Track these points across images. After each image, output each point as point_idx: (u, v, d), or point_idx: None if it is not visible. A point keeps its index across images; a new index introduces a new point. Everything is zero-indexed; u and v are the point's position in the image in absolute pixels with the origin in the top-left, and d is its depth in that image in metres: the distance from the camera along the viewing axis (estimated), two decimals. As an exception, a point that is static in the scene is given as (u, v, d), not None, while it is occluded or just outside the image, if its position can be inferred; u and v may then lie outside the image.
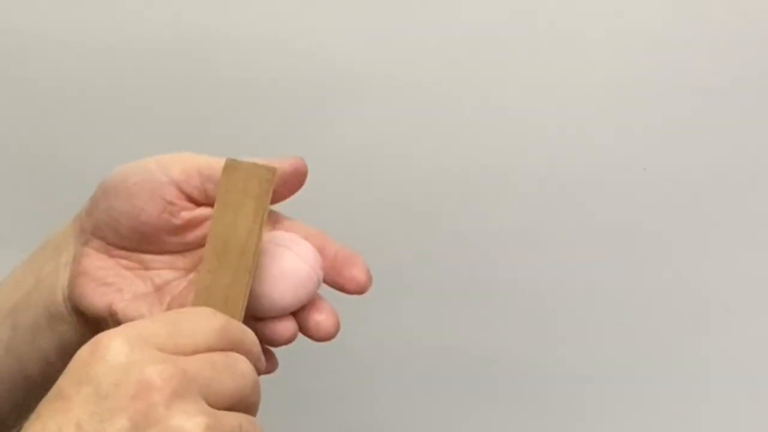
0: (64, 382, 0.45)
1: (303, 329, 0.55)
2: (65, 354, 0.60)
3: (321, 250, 0.56)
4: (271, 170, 0.52)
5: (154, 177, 0.56)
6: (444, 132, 0.83)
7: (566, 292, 0.85)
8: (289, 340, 0.55)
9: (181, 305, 0.56)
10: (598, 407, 0.88)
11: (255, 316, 0.54)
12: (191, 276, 0.58)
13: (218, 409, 0.46)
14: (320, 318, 0.55)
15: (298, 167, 0.56)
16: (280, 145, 0.84)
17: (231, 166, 0.52)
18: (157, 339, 0.46)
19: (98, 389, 0.44)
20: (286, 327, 0.55)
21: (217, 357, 0.47)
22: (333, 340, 0.55)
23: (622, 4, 0.78)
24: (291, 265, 0.54)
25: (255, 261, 0.52)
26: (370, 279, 0.56)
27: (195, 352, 0.46)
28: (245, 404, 0.48)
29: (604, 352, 0.86)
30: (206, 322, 0.48)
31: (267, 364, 0.54)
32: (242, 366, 0.48)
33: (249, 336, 0.50)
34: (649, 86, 0.79)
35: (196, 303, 0.52)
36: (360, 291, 0.56)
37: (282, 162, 0.55)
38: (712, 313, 0.83)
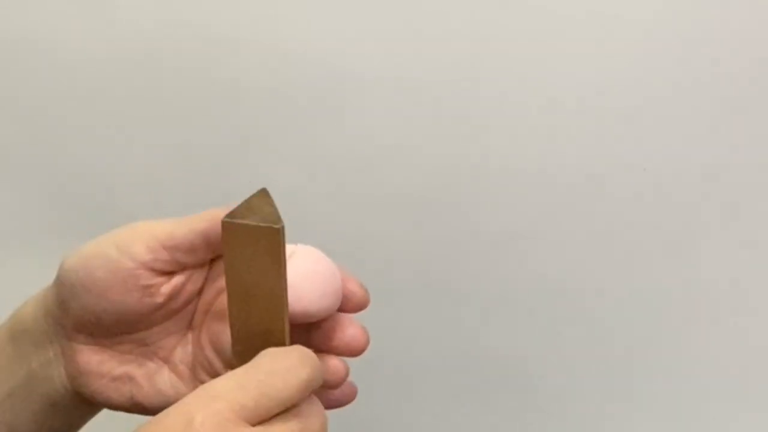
0: None
1: (336, 349, 0.55)
2: (74, 424, 0.60)
3: None
4: (277, 231, 0.49)
5: (122, 266, 0.54)
6: (443, 132, 0.83)
7: (566, 292, 0.85)
8: (344, 378, 0.55)
9: (209, 371, 0.55)
10: (599, 407, 0.88)
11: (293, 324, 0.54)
12: (190, 335, 0.57)
13: None
14: (350, 332, 0.54)
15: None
16: (279, 145, 0.85)
17: (230, 226, 0.49)
18: (246, 412, 0.45)
19: None
20: (336, 366, 0.54)
21: (296, 426, 0.47)
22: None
23: (622, 4, 0.78)
24: (319, 269, 0.54)
25: (286, 297, 0.50)
26: (367, 293, 0.56)
27: (279, 411, 0.46)
28: None
29: (604, 352, 0.86)
30: (294, 380, 0.47)
31: (349, 395, 0.55)
32: (314, 423, 0.48)
33: (320, 371, 0.49)
34: (649, 86, 0.79)
35: (241, 346, 0.50)
36: (360, 308, 0.56)
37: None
38: (712, 313, 0.83)
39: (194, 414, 0.44)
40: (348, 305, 0.55)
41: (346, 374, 0.55)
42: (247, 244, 0.49)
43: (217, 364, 0.56)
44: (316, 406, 0.49)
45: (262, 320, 0.50)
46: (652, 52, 0.79)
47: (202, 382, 0.55)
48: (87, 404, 0.58)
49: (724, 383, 0.85)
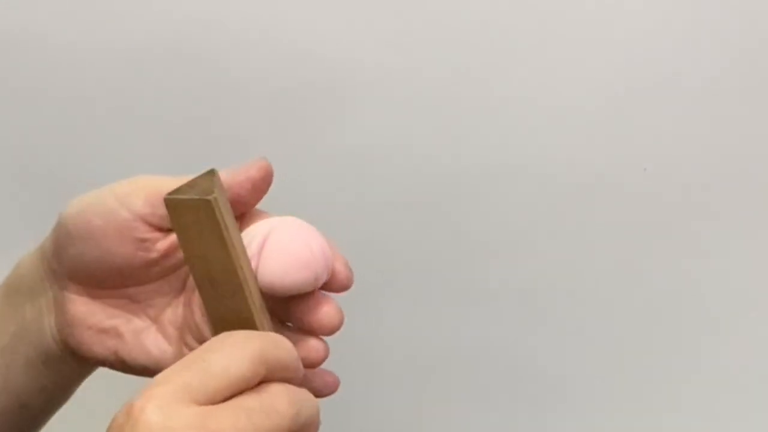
0: None
1: (309, 327, 0.54)
2: (64, 384, 0.60)
3: None
4: (207, 201, 0.48)
5: (118, 215, 0.53)
6: (442, 132, 0.83)
7: (566, 292, 0.85)
8: (322, 358, 0.54)
9: (197, 336, 0.55)
10: (599, 407, 0.88)
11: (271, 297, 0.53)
12: (183, 297, 0.56)
13: None
14: (324, 309, 0.54)
15: (266, 172, 0.54)
16: (279, 145, 0.84)
17: (171, 203, 0.49)
18: (191, 391, 0.44)
19: None
20: (314, 346, 0.54)
21: (252, 402, 0.45)
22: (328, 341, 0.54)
23: (622, 4, 0.78)
24: (294, 245, 0.53)
25: (245, 273, 0.50)
26: (351, 273, 0.55)
27: (232, 392, 0.45)
28: None
29: (604, 352, 0.86)
30: (239, 354, 0.45)
31: (330, 384, 0.54)
32: (279, 402, 0.46)
33: (284, 348, 0.48)
34: (649, 86, 0.79)
35: (216, 332, 0.49)
36: (343, 288, 0.55)
37: (250, 170, 0.53)
38: (712, 313, 0.83)
39: (135, 401, 0.44)
40: (331, 285, 0.55)
41: (325, 353, 0.54)
42: (190, 221, 0.49)
43: (205, 329, 0.55)
44: (285, 388, 0.47)
45: (228, 301, 0.50)
46: (653, 51, 0.78)
47: (188, 346, 0.55)
48: (74, 358, 0.57)
49: (725, 383, 0.85)
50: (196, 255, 0.49)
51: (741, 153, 0.80)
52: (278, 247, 0.52)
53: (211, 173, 0.51)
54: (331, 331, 0.54)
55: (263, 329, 0.51)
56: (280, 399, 0.46)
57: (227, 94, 0.85)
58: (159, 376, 0.45)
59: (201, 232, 0.49)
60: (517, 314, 0.86)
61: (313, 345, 0.54)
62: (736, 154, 0.80)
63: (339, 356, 0.88)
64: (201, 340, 0.55)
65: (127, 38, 0.85)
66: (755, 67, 0.78)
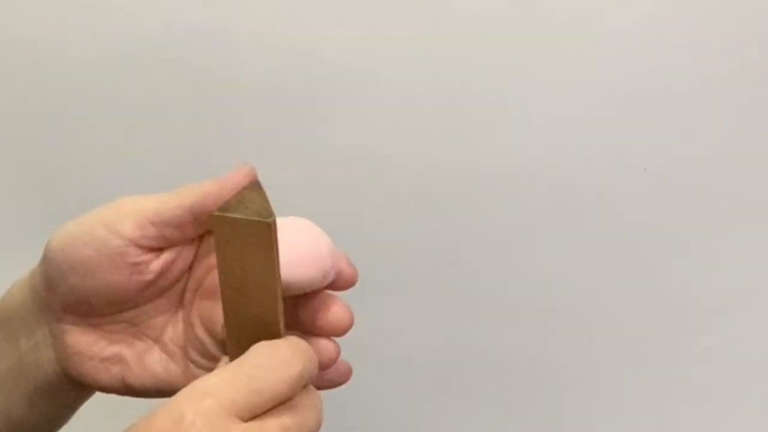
0: None
1: (319, 329, 0.54)
2: (66, 410, 0.59)
3: None
4: (268, 225, 0.48)
5: (109, 243, 0.53)
6: (442, 132, 0.83)
7: (565, 292, 0.85)
8: (334, 359, 0.54)
9: (201, 352, 0.55)
10: (599, 406, 0.88)
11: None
12: (181, 313, 0.56)
13: None
14: (333, 310, 0.54)
15: (253, 176, 0.54)
16: (279, 145, 0.85)
17: (219, 221, 0.48)
18: (238, 409, 0.45)
19: None
20: (326, 347, 0.54)
21: (289, 420, 0.46)
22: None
23: (623, 4, 0.78)
24: (303, 243, 0.53)
25: (279, 285, 0.50)
26: (356, 270, 0.55)
27: (272, 407, 0.46)
28: None
29: (604, 352, 0.86)
30: (286, 374, 0.46)
31: (345, 373, 0.55)
32: (310, 418, 0.47)
33: (315, 361, 0.49)
34: (649, 86, 0.79)
35: (236, 338, 0.50)
36: (349, 285, 0.55)
37: (237, 176, 0.53)
38: (712, 312, 0.83)
39: (185, 412, 0.44)
40: (337, 283, 0.55)
41: (337, 354, 0.54)
42: (239, 238, 0.48)
43: (208, 342, 0.55)
44: (312, 398, 0.48)
45: (256, 312, 0.49)
46: (653, 52, 0.78)
47: (193, 362, 0.55)
48: (77, 387, 0.57)
49: (725, 383, 0.85)
50: (233, 266, 0.49)
51: (741, 153, 0.80)
52: (288, 245, 0.52)
53: (258, 186, 0.51)
54: (342, 331, 0.54)
55: (284, 335, 0.50)
56: (311, 414, 0.47)
57: (225, 94, 0.85)
58: (202, 387, 0.45)
59: (248, 249, 0.48)
60: (517, 314, 0.86)
61: (324, 346, 0.54)
62: (736, 154, 0.80)
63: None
64: (204, 354, 0.55)
65: (122, 39, 0.85)
66: (755, 68, 0.78)
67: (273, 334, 0.49)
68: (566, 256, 0.84)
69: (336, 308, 0.54)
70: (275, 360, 0.47)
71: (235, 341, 0.50)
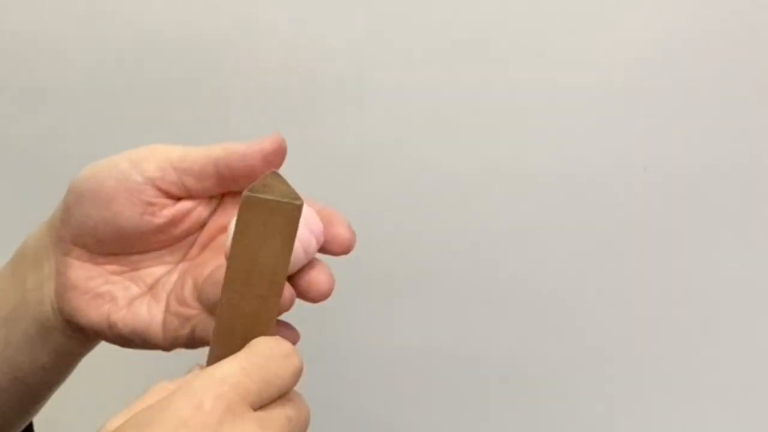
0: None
1: (298, 292, 0.54)
2: (61, 361, 0.61)
3: None
4: (298, 207, 0.48)
5: (129, 178, 0.54)
6: (442, 131, 0.83)
7: (565, 292, 0.85)
8: (287, 308, 0.53)
9: (180, 299, 0.56)
10: (598, 406, 0.88)
11: None
12: (181, 267, 0.57)
13: None
14: (313, 274, 0.53)
15: (279, 145, 0.55)
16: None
17: (251, 201, 0.48)
18: (251, 398, 0.46)
19: None
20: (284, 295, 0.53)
21: (291, 411, 0.48)
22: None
23: (623, 5, 0.78)
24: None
25: (284, 282, 0.50)
26: (354, 235, 0.55)
27: (277, 396, 0.47)
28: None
29: (604, 352, 0.86)
30: (291, 368, 0.48)
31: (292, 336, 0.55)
32: (304, 408, 0.49)
33: (301, 359, 0.50)
34: (649, 86, 0.79)
35: (228, 326, 0.50)
36: (345, 250, 0.55)
37: (263, 142, 0.54)
38: (712, 312, 0.83)
39: (203, 398, 0.45)
40: (332, 247, 0.55)
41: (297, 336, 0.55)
42: (263, 219, 0.48)
43: (191, 301, 0.56)
44: (301, 396, 0.49)
45: (256, 302, 0.50)
46: (653, 52, 0.79)
47: (169, 310, 0.56)
48: (71, 329, 0.58)
49: (725, 383, 0.85)
50: (247, 252, 0.49)
51: (741, 153, 0.80)
52: None
53: (278, 175, 0.50)
54: (322, 297, 0.54)
55: (269, 332, 0.50)
56: (305, 408, 0.49)
57: (225, 94, 0.85)
58: (220, 372, 0.46)
59: (268, 233, 0.48)
60: (517, 314, 0.86)
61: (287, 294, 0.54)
62: (736, 154, 0.80)
63: (338, 356, 0.88)
64: (183, 304, 0.55)
65: (123, 39, 0.85)
66: (755, 68, 0.78)
67: (262, 331, 0.50)
68: (566, 255, 0.84)
69: (314, 272, 0.54)
70: (281, 352, 0.48)
71: (222, 330, 0.50)
